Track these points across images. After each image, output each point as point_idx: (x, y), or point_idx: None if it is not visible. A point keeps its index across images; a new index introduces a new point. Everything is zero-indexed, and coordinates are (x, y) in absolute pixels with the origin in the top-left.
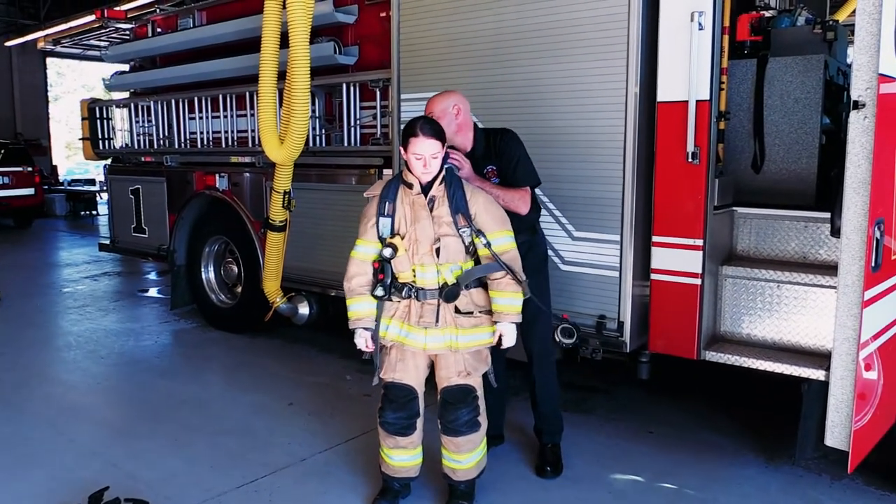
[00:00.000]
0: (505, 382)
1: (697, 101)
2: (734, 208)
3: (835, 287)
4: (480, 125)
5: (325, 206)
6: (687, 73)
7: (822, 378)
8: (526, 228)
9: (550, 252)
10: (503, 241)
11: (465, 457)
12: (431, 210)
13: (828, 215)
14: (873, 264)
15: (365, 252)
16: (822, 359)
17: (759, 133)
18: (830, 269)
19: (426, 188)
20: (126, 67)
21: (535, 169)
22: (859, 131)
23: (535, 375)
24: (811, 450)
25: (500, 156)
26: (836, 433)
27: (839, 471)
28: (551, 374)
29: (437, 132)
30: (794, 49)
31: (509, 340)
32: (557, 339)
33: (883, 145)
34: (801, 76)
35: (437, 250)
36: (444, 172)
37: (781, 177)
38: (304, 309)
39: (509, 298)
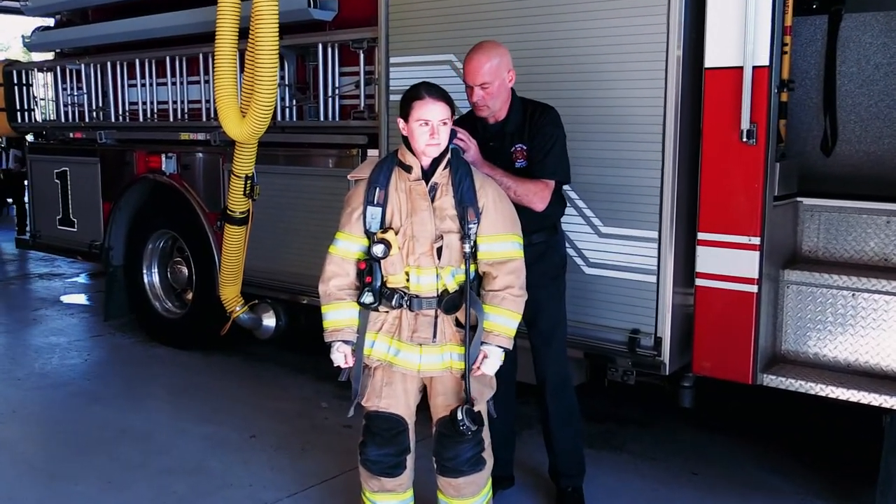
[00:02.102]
0: (513, 412)
1: (754, 68)
2: (799, 199)
3: None
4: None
5: (295, 194)
6: (742, 33)
7: None
8: (546, 226)
9: (572, 252)
10: (509, 248)
11: (467, 502)
12: (433, 200)
13: None
14: None
15: (347, 248)
16: None
17: (830, 107)
18: None
19: (427, 173)
20: (51, 22)
21: (568, 163)
22: None
23: (549, 405)
24: (894, 497)
25: (533, 136)
26: None
27: None
28: (570, 404)
29: (446, 96)
30: (874, 2)
31: (491, 367)
32: (460, 418)
33: None
34: (883, 36)
35: (439, 250)
36: (449, 154)
37: (858, 160)
38: (269, 320)
39: (505, 318)
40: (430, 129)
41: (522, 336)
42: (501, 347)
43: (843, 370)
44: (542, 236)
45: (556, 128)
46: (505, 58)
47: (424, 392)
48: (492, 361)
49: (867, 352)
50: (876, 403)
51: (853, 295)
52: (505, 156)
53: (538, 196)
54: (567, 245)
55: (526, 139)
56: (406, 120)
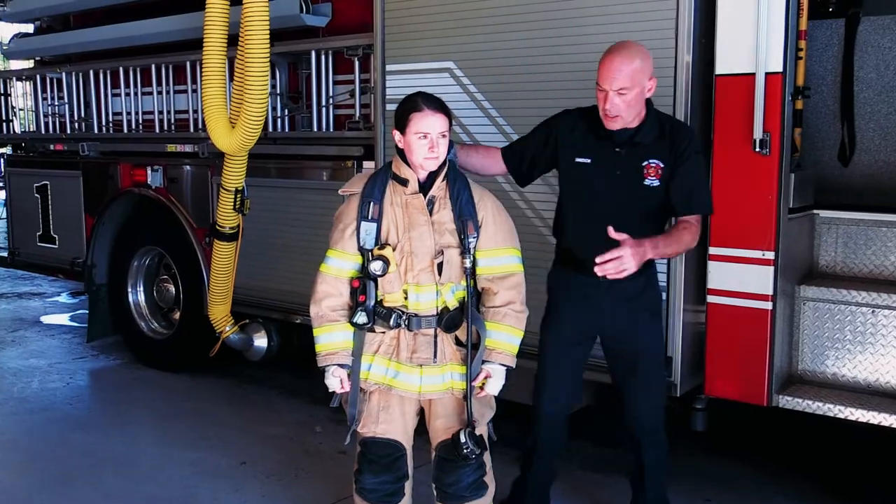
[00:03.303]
0: (566, 438)
1: (767, 74)
2: (815, 211)
3: None
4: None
5: (288, 208)
6: (754, 38)
7: None
8: None
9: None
10: (510, 262)
11: None
12: (431, 214)
13: None
14: None
15: (340, 267)
16: None
17: (847, 115)
18: None
19: (424, 186)
20: (30, 29)
21: (710, 192)
22: None
23: (644, 455)
24: None
25: (677, 159)
26: None
27: None
28: (664, 451)
29: (445, 107)
30: (894, 5)
31: (495, 387)
32: (463, 441)
33: None
34: None
35: (440, 266)
36: (447, 166)
37: (877, 170)
38: (260, 340)
39: (508, 335)
40: (429, 142)
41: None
42: (504, 366)
43: (863, 391)
44: (644, 267)
45: (700, 154)
46: (648, 62)
47: (421, 415)
48: (496, 381)
49: (888, 371)
50: None
51: (873, 312)
52: (633, 167)
53: (695, 239)
54: None
55: (666, 157)
56: (403, 132)
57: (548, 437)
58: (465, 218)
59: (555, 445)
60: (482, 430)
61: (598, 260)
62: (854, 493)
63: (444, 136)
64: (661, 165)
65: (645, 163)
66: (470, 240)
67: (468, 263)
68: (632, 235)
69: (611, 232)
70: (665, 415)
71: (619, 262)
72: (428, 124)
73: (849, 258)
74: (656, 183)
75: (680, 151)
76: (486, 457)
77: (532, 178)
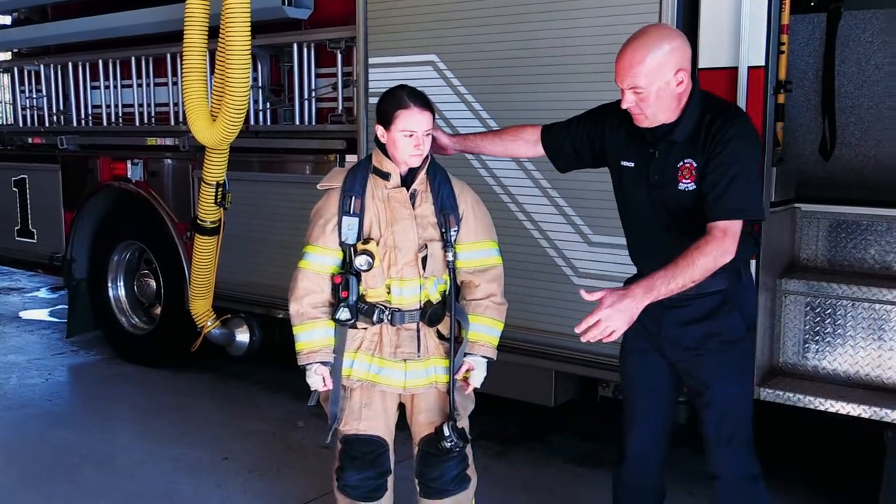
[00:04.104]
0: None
1: (749, 68)
2: (797, 205)
3: None
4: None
5: (270, 202)
6: (736, 32)
7: None
8: (727, 265)
9: (561, 262)
10: (490, 255)
11: None
12: (413, 208)
13: None
14: None
15: (321, 262)
16: None
17: (829, 109)
18: None
19: (406, 180)
20: (7, 20)
21: (758, 194)
22: None
23: None
24: None
25: (710, 152)
26: None
27: None
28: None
29: (430, 104)
30: (874, 0)
31: (478, 379)
32: (447, 434)
33: None
34: (884, 35)
35: (424, 260)
36: (429, 160)
37: (858, 164)
38: (242, 335)
39: (488, 326)
40: (415, 140)
41: (503, 349)
42: (486, 358)
43: (844, 383)
44: (721, 281)
45: (745, 142)
46: (674, 55)
47: (401, 411)
48: (478, 373)
49: (868, 364)
50: (877, 418)
51: (853, 305)
52: (668, 171)
53: (722, 255)
54: (555, 254)
55: (699, 153)
56: (387, 128)
57: (635, 479)
58: (447, 212)
59: (646, 488)
60: (464, 423)
61: (576, 329)
62: (834, 483)
63: (428, 134)
64: (695, 164)
65: (680, 163)
66: (452, 233)
67: (451, 257)
68: (677, 252)
69: (583, 295)
70: (758, 468)
71: (600, 328)
72: (415, 123)
73: (829, 252)
74: (692, 186)
75: (716, 143)
76: (468, 450)
77: (570, 168)
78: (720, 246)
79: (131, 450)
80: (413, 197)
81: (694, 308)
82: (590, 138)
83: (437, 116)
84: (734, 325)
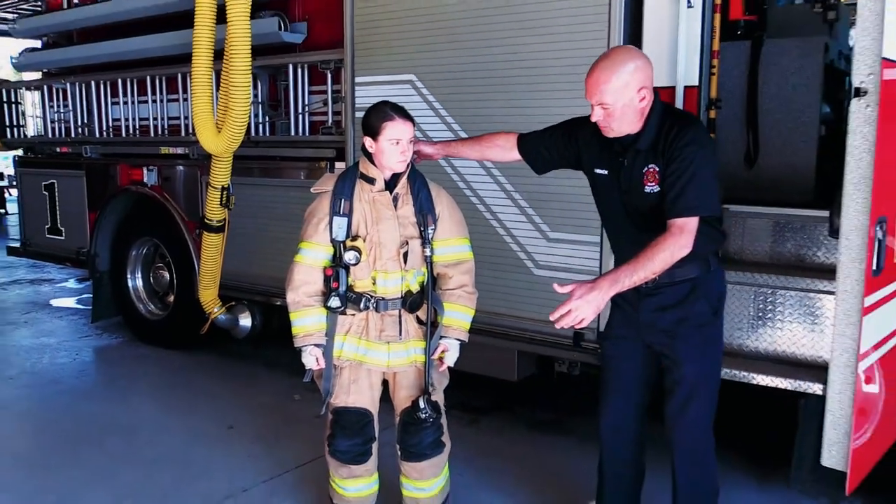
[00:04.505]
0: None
1: (685, 88)
2: (726, 206)
3: (833, 293)
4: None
5: (269, 203)
6: (674, 56)
7: (819, 392)
8: (694, 258)
9: (523, 256)
10: (462, 250)
11: (430, 483)
12: (395, 209)
13: (827, 214)
14: (874, 267)
15: (314, 257)
16: (819, 371)
17: (753, 123)
18: (829, 272)
19: (389, 184)
20: (38, 44)
21: (714, 191)
22: (861, 121)
23: (678, 477)
24: (807, 471)
25: (669, 157)
26: (834, 452)
27: (837, 493)
28: (705, 475)
29: (410, 115)
30: (792, 30)
31: (451, 358)
32: (422, 406)
33: (886, 137)
34: (799, 60)
35: (405, 255)
36: (410, 167)
37: (777, 171)
38: (245, 320)
39: (460, 313)
40: (401, 147)
41: (473, 332)
42: (459, 340)
43: (764, 359)
44: (690, 271)
45: (698, 147)
46: (637, 75)
47: (385, 387)
48: (452, 353)
49: (784, 342)
50: (792, 388)
51: (772, 292)
52: (636, 177)
53: (680, 249)
54: (517, 248)
55: (660, 159)
56: (375, 138)
57: (609, 449)
58: (426, 212)
59: (621, 460)
60: (438, 397)
61: (550, 317)
62: (757, 447)
63: (412, 142)
64: (657, 169)
65: (645, 169)
66: (429, 231)
67: (428, 252)
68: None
69: (556, 288)
70: (711, 443)
71: (571, 317)
72: (400, 132)
73: (753, 246)
74: (657, 189)
75: (673, 148)
76: (443, 420)
77: (547, 169)
78: (677, 241)
79: (149, 420)
80: (395, 199)
81: (667, 295)
82: (566, 147)
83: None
84: (702, 311)
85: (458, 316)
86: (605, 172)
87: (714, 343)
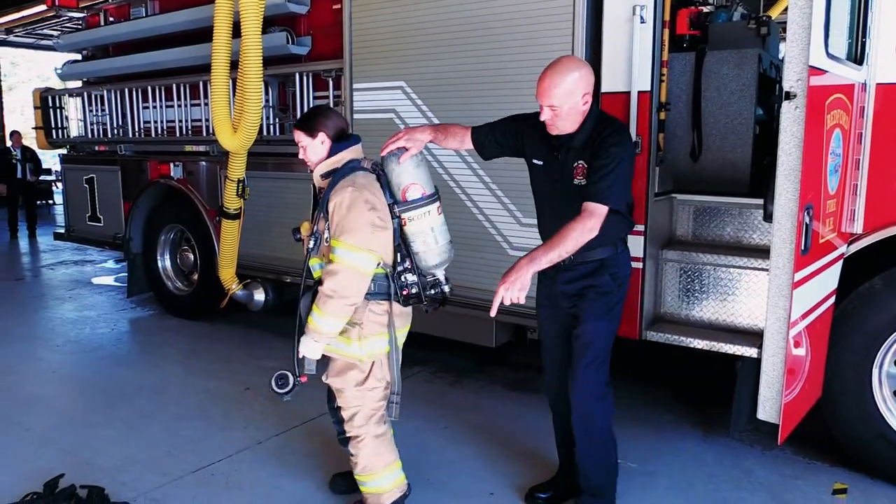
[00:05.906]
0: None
1: (639, 92)
2: (673, 195)
3: (767, 269)
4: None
5: (279, 194)
6: (629, 65)
7: (754, 355)
8: (606, 242)
9: (499, 238)
10: (334, 251)
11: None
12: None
13: (761, 201)
14: (803, 248)
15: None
16: (755, 337)
17: (697, 123)
18: (763, 252)
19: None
20: (79, 56)
21: (623, 191)
22: (791, 121)
23: (575, 426)
24: (744, 423)
25: (595, 156)
26: (768, 407)
27: (770, 442)
28: (595, 430)
29: (300, 124)
30: (730, 43)
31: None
32: (273, 386)
33: (812, 134)
34: (736, 69)
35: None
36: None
37: (718, 165)
38: (259, 295)
39: (314, 311)
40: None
41: (456, 304)
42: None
43: (708, 327)
44: (603, 252)
45: (619, 150)
46: (581, 82)
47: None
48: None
49: (725, 312)
50: (731, 352)
51: (715, 269)
52: (567, 170)
53: (589, 231)
54: (495, 232)
55: (589, 156)
56: None
57: (551, 401)
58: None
59: (561, 410)
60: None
61: (490, 314)
62: (704, 402)
63: (303, 147)
64: (585, 165)
65: (575, 164)
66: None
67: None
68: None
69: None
70: (605, 397)
71: (505, 300)
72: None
73: (697, 230)
74: (583, 182)
75: (600, 148)
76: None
77: (493, 156)
78: (586, 224)
79: (175, 383)
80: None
81: (579, 270)
82: (512, 136)
83: (403, 126)
84: (605, 282)
85: (312, 313)
86: (542, 163)
87: (612, 310)
